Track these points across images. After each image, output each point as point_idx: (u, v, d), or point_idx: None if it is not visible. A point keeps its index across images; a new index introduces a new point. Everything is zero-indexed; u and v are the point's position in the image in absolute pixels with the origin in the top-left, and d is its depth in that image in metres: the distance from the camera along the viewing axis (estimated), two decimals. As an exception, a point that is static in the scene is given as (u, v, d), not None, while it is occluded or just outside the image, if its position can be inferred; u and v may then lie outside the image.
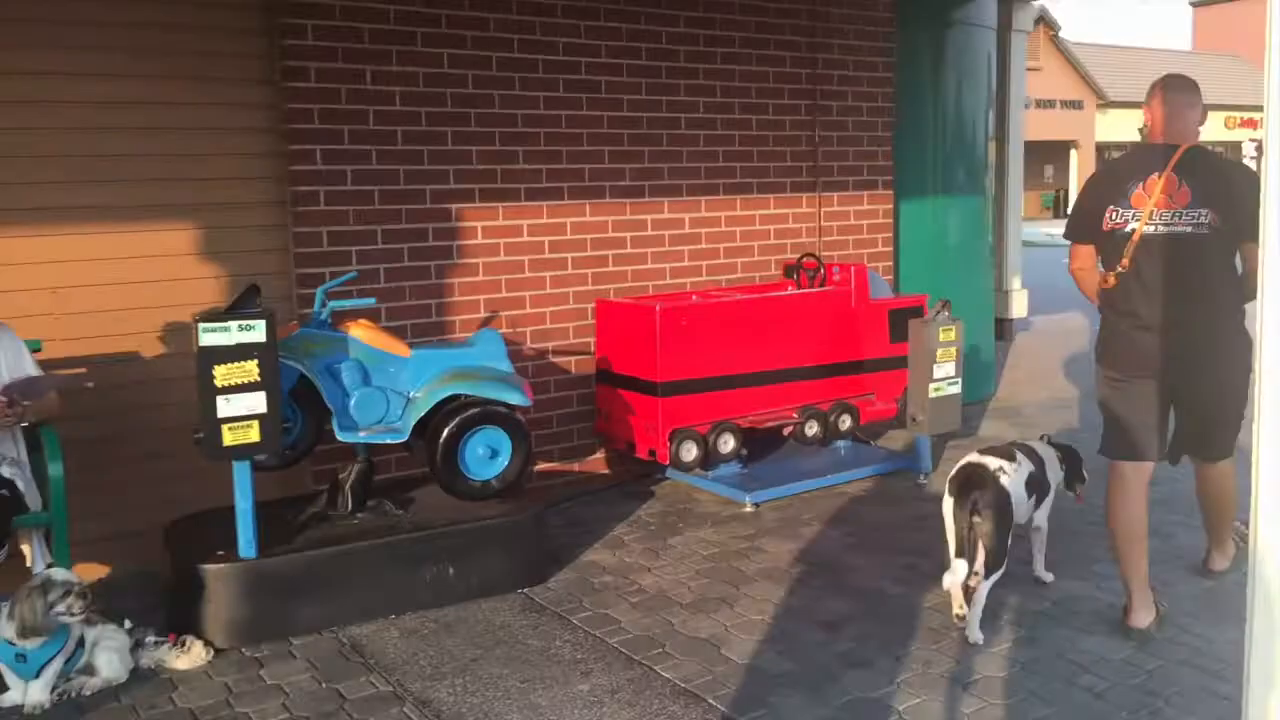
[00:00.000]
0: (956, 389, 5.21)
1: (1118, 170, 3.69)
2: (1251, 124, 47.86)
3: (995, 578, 3.45)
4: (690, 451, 4.93)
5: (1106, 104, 42.53)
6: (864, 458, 5.49)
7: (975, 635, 3.41)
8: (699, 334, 4.93)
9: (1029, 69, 41.90)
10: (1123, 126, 44.50)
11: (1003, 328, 10.11)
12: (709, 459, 5.00)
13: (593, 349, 5.34)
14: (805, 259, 5.72)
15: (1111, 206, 3.41)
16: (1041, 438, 4.03)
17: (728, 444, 5.03)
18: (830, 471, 5.26)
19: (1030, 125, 40.91)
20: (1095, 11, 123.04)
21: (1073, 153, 42.78)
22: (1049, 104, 40.94)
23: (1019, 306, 10.14)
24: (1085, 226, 3.53)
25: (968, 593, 3.50)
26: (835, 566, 4.23)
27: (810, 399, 5.30)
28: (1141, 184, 3.37)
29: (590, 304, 5.35)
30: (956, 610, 3.55)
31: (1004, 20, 9.07)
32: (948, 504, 3.51)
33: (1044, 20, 40.15)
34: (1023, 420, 6.63)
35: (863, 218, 6.48)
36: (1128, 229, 3.38)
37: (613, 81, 5.39)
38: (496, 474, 3.95)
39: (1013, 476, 3.55)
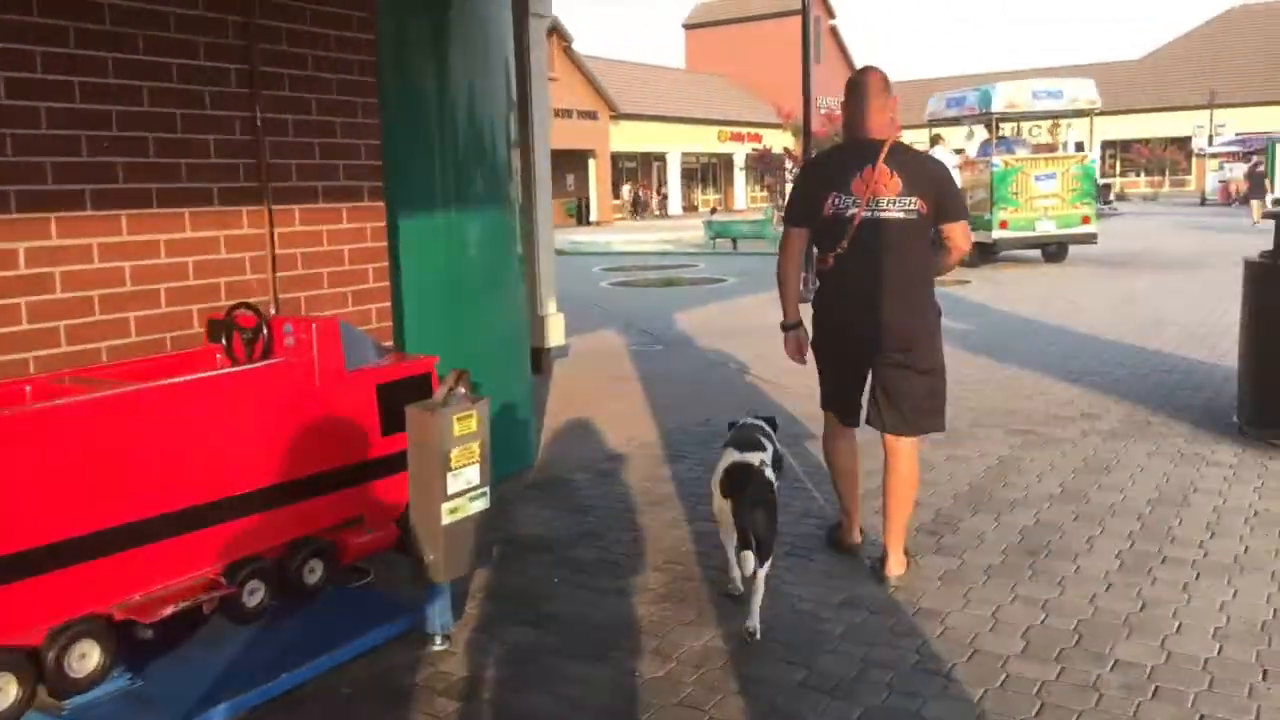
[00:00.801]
0: (483, 503, 3.43)
1: (836, 161, 3.89)
2: (739, 138, 52.88)
3: (768, 566, 3.50)
4: (2, 694, 2.64)
5: (618, 115, 44.39)
6: (347, 621, 3.50)
7: (755, 624, 3.45)
8: (23, 465, 2.66)
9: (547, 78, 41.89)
10: (634, 136, 46.85)
11: (539, 360, 8.66)
12: (61, 686, 2.75)
13: None
14: (238, 312, 3.60)
15: (833, 194, 3.68)
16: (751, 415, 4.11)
17: (89, 660, 2.80)
18: (288, 663, 3.21)
19: (552, 134, 40.96)
20: (601, 22, 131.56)
21: (591, 162, 44.15)
22: (566, 114, 41.70)
23: (556, 333, 8.77)
24: (805, 212, 3.80)
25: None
26: None
27: (250, 547, 3.21)
28: (859, 174, 3.63)
29: None
30: (734, 588, 3.75)
31: (520, 4, 7.60)
32: (725, 506, 3.61)
33: (557, 32, 40.85)
34: (575, 504, 5.06)
35: (342, 241, 4.51)
36: (848, 214, 3.65)
37: None
38: None
39: (769, 465, 3.67)
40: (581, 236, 33.73)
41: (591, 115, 42.87)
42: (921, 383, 3.77)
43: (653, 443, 6.19)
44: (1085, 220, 16.64)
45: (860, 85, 3.77)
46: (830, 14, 61.59)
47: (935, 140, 17.32)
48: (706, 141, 50.28)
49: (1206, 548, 4.09)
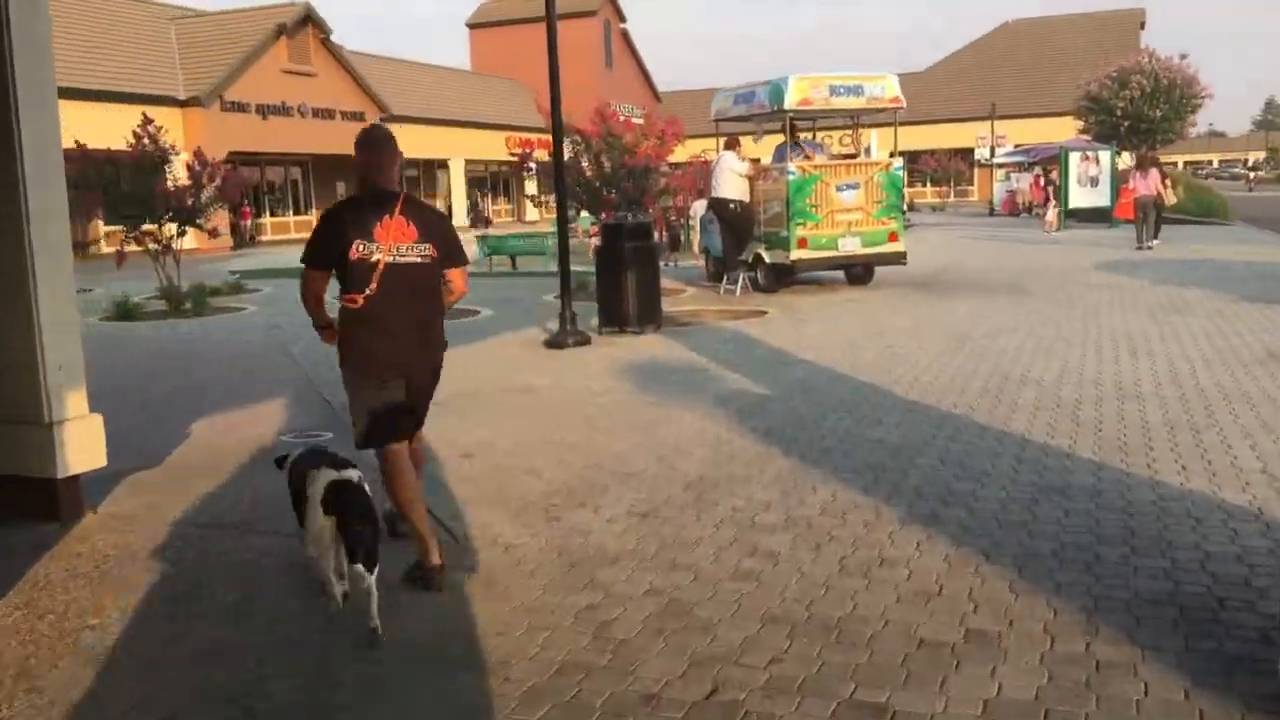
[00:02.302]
0: None
1: (356, 210, 4.15)
2: (530, 144, 49.36)
3: (376, 571, 3.62)
4: None
5: (391, 118, 40.11)
6: None
7: (377, 623, 3.54)
8: None
9: (301, 73, 37.60)
10: (411, 141, 42.43)
11: (53, 501, 5.07)
12: None
13: None
14: None
15: (358, 240, 3.98)
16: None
17: None
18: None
19: (313, 137, 36.41)
20: (373, 25, 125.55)
21: (360, 168, 39.63)
22: (328, 114, 37.19)
23: (85, 450, 5.15)
24: (329, 255, 4.06)
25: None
26: None
27: None
28: (380, 222, 4.00)
29: None
30: (337, 607, 3.75)
31: None
32: (327, 524, 3.67)
33: (312, 20, 36.31)
34: None
35: None
36: (373, 259, 3.98)
37: None
38: None
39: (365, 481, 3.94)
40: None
41: (358, 116, 38.50)
42: (430, 396, 4.36)
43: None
44: (893, 237, 14.28)
45: (375, 142, 4.21)
46: (621, 17, 59.40)
47: (730, 145, 14.56)
48: (494, 148, 46.67)
49: None
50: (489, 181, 50.80)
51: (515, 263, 22.88)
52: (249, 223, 36.45)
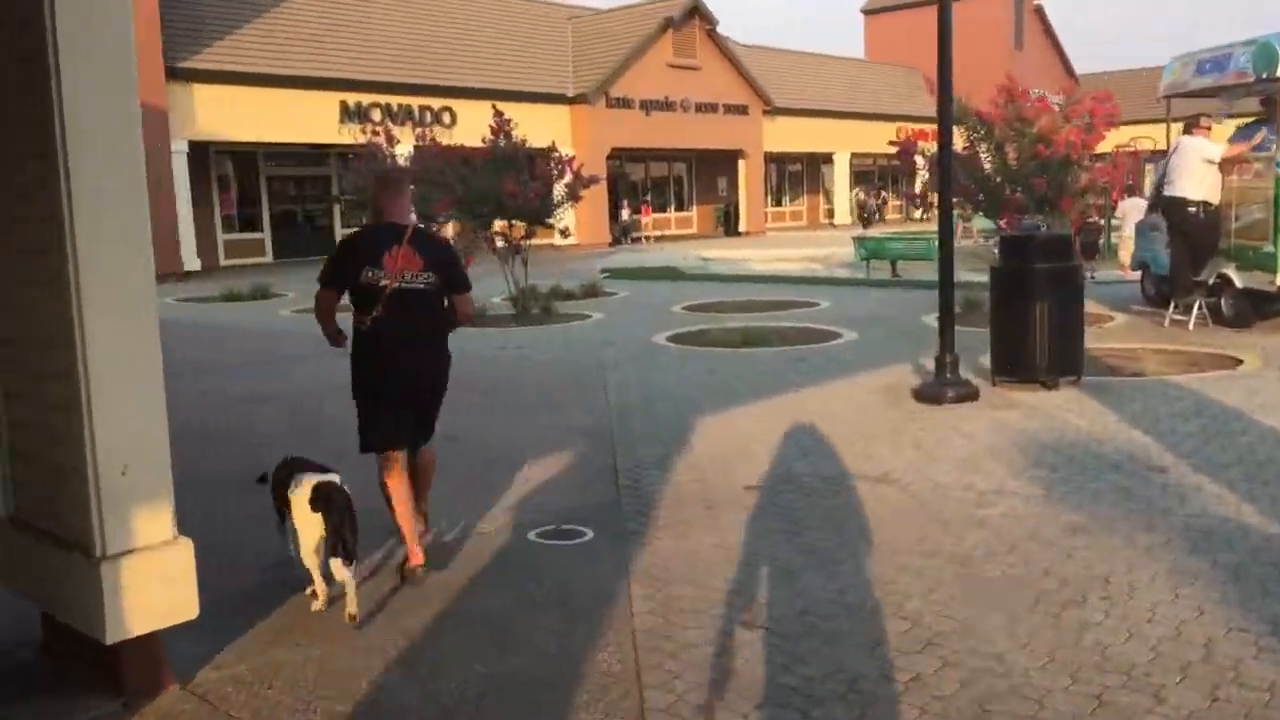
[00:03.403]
0: None
1: (368, 239, 4.63)
2: (923, 136, 45.57)
3: (355, 565, 4.04)
4: None
5: (773, 110, 38.32)
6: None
7: (356, 610, 3.93)
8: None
9: (686, 67, 36.55)
10: (793, 135, 40.51)
11: (110, 667, 3.35)
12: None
13: None
14: None
15: (368, 267, 4.43)
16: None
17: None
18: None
19: (694, 132, 35.29)
20: (764, 18, 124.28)
21: (740, 163, 38.28)
22: (711, 108, 36.14)
23: (158, 601, 3.39)
24: (342, 277, 4.52)
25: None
26: None
27: None
28: (389, 252, 4.43)
29: None
30: (320, 605, 4.08)
31: None
32: (312, 520, 3.97)
33: (699, 12, 35.32)
34: None
35: None
36: (381, 284, 4.41)
37: None
38: None
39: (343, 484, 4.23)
40: (718, 251, 28.16)
41: (741, 110, 37.15)
42: (438, 408, 4.76)
43: None
44: None
45: (392, 182, 4.85)
46: (1037, -8, 53.35)
47: (1189, 128, 10.85)
48: (883, 141, 43.50)
49: None
50: (876, 176, 47.66)
51: (895, 268, 20.10)
52: (646, 218, 36.60)
